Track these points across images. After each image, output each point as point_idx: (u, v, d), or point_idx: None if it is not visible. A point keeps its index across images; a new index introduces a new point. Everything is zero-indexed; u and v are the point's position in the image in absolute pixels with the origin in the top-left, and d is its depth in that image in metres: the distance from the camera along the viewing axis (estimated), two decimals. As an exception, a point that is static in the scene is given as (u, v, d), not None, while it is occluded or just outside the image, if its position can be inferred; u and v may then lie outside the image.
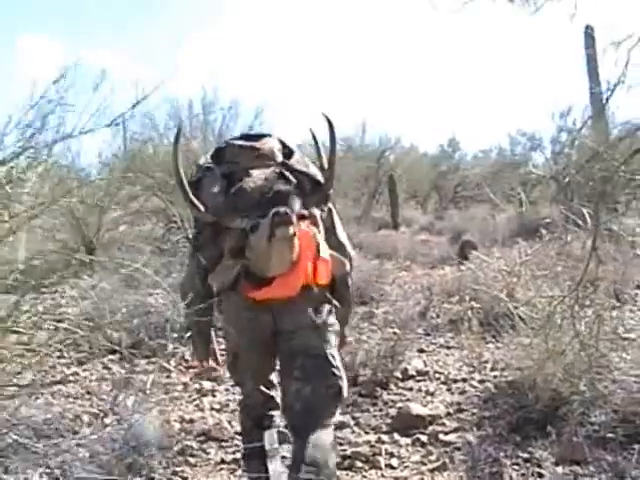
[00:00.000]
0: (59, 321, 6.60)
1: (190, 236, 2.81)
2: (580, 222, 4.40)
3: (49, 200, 4.38)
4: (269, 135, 3.10)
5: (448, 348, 5.66)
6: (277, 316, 2.78)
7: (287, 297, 2.69)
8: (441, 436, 3.85)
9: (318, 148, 2.98)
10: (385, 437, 3.90)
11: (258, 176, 2.78)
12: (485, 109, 43.07)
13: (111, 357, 5.70)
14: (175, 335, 6.12)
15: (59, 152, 5.26)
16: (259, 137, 3.05)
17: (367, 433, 3.99)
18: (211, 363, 3.21)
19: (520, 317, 4.30)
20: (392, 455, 3.68)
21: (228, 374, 3.28)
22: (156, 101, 16.45)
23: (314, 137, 3.01)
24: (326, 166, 2.89)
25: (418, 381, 4.85)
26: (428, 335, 6.08)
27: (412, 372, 4.95)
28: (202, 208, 2.72)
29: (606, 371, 3.73)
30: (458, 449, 3.67)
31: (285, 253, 2.58)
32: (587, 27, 19.43)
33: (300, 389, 2.70)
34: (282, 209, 2.49)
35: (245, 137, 3.08)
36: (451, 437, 3.82)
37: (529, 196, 18.44)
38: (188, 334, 2.92)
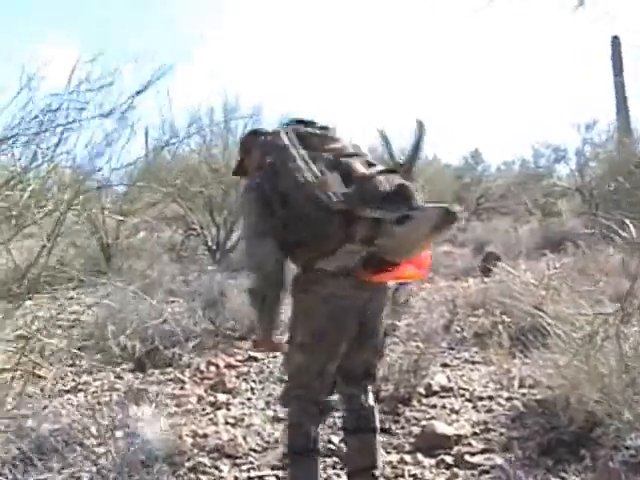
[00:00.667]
0: (72, 327, 6.50)
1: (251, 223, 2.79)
2: (613, 235, 4.18)
3: (67, 205, 4.27)
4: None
5: (473, 363, 5.44)
6: (373, 295, 2.95)
7: (414, 277, 3.07)
8: (467, 457, 3.62)
9: (391, 150, 3.05)
10: (408, 457, 3.68)
11: (361, 167, 2.87)
12: (509, 121, 42.67)
13: (124, 366, 5.55)
14: (191, 345, 5.97)
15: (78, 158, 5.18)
16: (312, 124, 3.10)
17: (389, 453, 3.77)
18: (275, 338, 2.99)
19: (554, 333, 4.06)
20: (415, 477, 3.48)
21: (285, 364, 3.03)
22: (177, 108, 16.40)
23: (385, 138, 3.10)
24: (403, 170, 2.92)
25: (442, 397, 4.63)
26: (452, 349, 5.86)
27: (436, 388, 4.73)
28: (334, 197, 2.75)
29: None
30: (486, 472, 3.45)
31: (431, 243, 2.86)
32: (614, 38, 19.28)
33: (367, 359, 3.11)
34: (456, 207, 2.74)
35: (302, 123, 3.11)
36: (478, 459, 3.60)
37: (552, 208, 18.22)
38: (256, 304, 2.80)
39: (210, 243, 11.93)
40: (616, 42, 19.01)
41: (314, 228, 2.77)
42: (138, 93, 3.64)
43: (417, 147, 2.95)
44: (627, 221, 3.28)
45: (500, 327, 5.55)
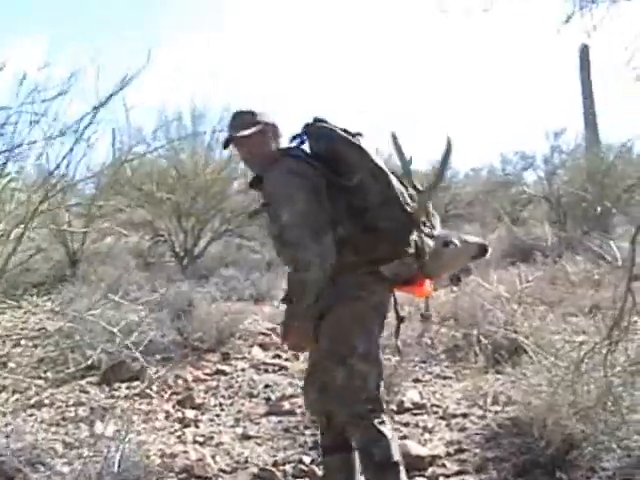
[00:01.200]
0: (37, 337, 6.34)
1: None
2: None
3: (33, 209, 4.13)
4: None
5: (445, 378, 5.38)
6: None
7: (428, 294, 3.27)
8: (442, 479, 3.56)
9: (403, 158, 3.01)
10: (382, 479, 3.60)
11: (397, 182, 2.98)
12: (478, 127, 42.90)
13: (90, 379, 5.39)
14: (158, 357, 5.86)
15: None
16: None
17: (360, 474, 3.69)
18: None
19: (530, 351, 4.02)
20: (389, 501, 3.39)
21: (346, 379, 2.90)
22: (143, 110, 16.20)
23: (398, 145, 2.99)
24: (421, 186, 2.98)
25: (415, 415, 4.56)
26: (424, 363, 5.80)
27: (408, 404, 4.67)
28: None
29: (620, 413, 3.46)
30: (461, 494, 3.39)
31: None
32: (583, 47, 19.44)
33: None
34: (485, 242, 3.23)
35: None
36: (453, 481, 3.54)
37: (520, 216, 18.33)
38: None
39: (178, 249, 11.79)
40: (585, 50, 19.17)
41: (395, 234, 2.89)
42: (96, 108, 3.50)
43: (444, 167, 3.10)
44: (611, 243, 3.22)
45: (471, 342, 5.50)
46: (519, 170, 20.16)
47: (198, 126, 12.26)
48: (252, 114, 3.02)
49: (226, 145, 3.12)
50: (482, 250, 3.16)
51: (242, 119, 3.02)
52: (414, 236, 2.94)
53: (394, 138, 2.98)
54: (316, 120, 3.07)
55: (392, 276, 2.95)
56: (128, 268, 9.22)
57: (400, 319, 3.16)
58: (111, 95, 3.63)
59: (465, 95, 49.57)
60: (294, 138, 3.11)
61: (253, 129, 2.98)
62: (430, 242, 3.01)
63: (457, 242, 3.09)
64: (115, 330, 6.00)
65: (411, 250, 2.95)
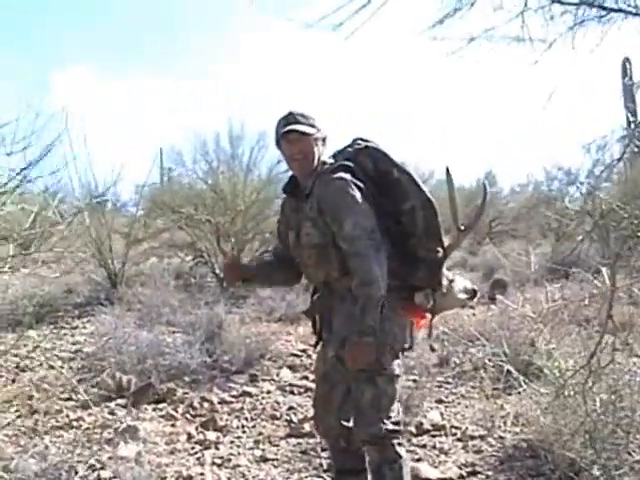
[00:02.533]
0: (72, 359, 6.49)
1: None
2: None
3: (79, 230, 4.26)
4: None
5: (468, 399, 5.37)
6: None
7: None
8: (451, 502, 3.57)
9: (452, 193, 3.12)
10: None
11: None
12: (523, 142, 42.43)
13: (119, 401, 5.50)
14: (187, 379, 5.95)
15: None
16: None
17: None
18: None
19: (538, 370, 4.01)
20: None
21: (376, 399, 2.95)
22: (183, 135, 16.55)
23: (450, 179, 3.10)
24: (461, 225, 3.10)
25: (433, 436, 4.57)
26: (448, 384, 5.79)
27: (428, 426, 4.67)
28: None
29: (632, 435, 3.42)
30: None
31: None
32: (625, 59, 19.16)
33: None
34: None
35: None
36: (462, 504, 3.54)
37: (565, 232, 18.05)
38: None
39: (217, 271, 11.92)
40: (626, 63, 18.86)
41: (433, 264, 3.04)
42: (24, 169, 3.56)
43: (482, 209, 3.20)
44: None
45: (487, 361, 5.48)
46: (564, 185, 19.92)
47: (236, 149, 12.42)
48: (309, 117, 3.05)
49: (282, 137, 3.05)
50: (473, 295, 3.29)
51: (299, 119, 3.03)
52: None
53: (448, 172, 3.06)
54: (360, 139, 3.16)
55: (420, 304, 3.05)
56: (167, 290, 9.32)
57: (432, 349, 3.35)
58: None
59: (511, 110, 49.08)
60: (339, 153, 3.18)
61: (313, 130, 3.03)
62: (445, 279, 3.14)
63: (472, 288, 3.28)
64: (147, 352, 6.18)
65: (445, 282, 3.05)
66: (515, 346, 5.57)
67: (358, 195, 2.87)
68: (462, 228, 3.06)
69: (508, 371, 5.24)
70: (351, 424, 3.13)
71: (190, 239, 12.48)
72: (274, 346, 6.96)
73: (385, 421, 2.93)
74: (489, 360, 5.73)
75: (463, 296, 3.24)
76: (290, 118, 3.03)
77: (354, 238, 2.81)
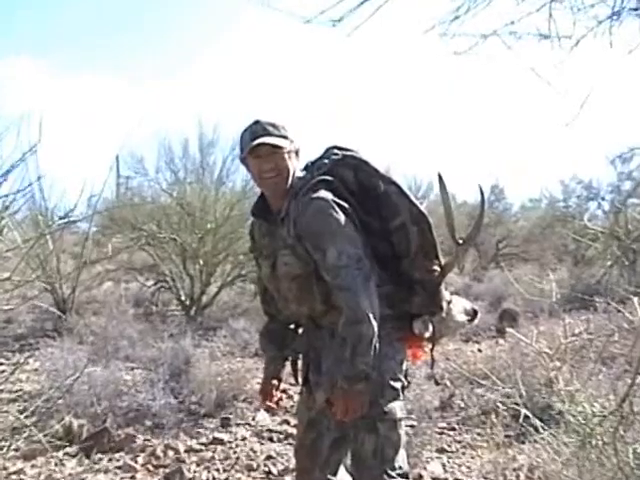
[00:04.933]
0: (13, 400, 6.43)
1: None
2: None
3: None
4: None
5: (474, 448, 5.36)
6: None
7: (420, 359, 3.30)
8: None
9: (446, 198, 3.10)
10: None
11: None
12: (534, 152, 42.76)
13: (68, 450, 5.43)
14: (148, 424, 5.90)
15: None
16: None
17: None
18: None
19: (559, 415, 4.00)
20: None
21: (384, 446, 2.92)
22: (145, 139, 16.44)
23: (443, 184, 3.06)
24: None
25: (434, 492, 4.55)
26: (453, 430, 5.78)
27: (428, 479, 4.65)
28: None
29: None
30: None
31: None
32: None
33: None
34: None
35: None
36: None
37: (584, 255, 18.14)
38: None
39: (183, 297, 11.89)
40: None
41: (432, 286, 3.03)
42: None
43: (481, 218, 3.13)
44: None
45: (507, 405, 5.46)
46: (583, 201, 20.01)
47: (207, 156, 12.42)
48: (279, 127, 2.95)
49: (250, 152, 2.92)
50: (474, 316, 3.32)
51: (269, 130, 2.93)
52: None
53: (440, 178, 3.02)
54: (336, 148, 3.09)
55: (419, 333, 3.03)
56: (125, 319, 9.28)
57: (436, 383, 3.35)
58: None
59: (522, 116, 49.51)
60: (312, 165, 3.10)
61: (286, 142, 2.94)
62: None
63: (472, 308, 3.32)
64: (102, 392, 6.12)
65: (445, 305, 3.04)
66: (529, 387, 5.57)
67: (342, 218, 2.79)
68: (460, 241, 3.03)
69: (523, 416, 5.23)
70: (339, 479, 3.11)
71: (152, 261, 12.45)
72: (249, 385, 6.92)
73: (390, 473, 2.90)
74: (499, 403, 5.73)
75: (463, 318, 3.25)
76: (258, 129, 2.93)
77: (339, 268, 2.73)
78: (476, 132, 47.57)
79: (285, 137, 2.94)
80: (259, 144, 2.87)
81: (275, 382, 3.33)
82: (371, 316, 2.67)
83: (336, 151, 3.07)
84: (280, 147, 2.90)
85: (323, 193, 2.85)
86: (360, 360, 2.67)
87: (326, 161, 3.05)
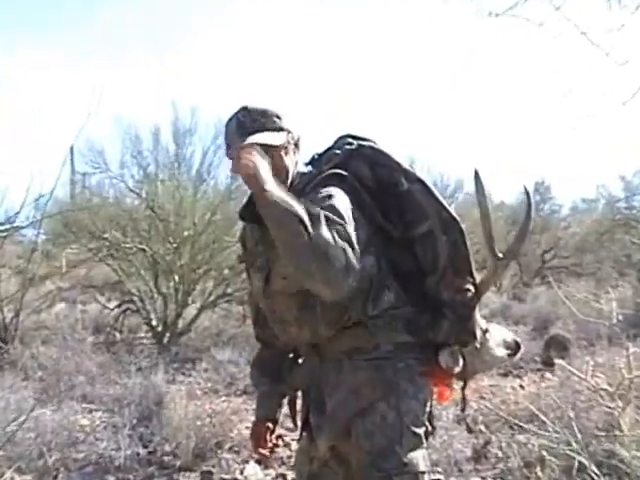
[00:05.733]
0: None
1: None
2: None
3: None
4: None
5: (517, 510, 5.34)
6: None
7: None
8: None
9: (483, 198, 2.94)
10: None
11: None
12: (588, 142, 42.73)
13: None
14: (111, 479, 5.89)
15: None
16: None
17: None
18: None
19: (624, 465, 3.98)
20: None
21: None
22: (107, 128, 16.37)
23: (480, 181, 2.92)
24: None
25: None
26: (489, 486, 5.76)
27: None
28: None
29: None
30: None
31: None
32: None
33: None
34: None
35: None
36: None
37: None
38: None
39: (155, 322, 11.85)
40: None
41: (464, 309, 2.93)
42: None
43: (527, 226, 3.03)
44: None
45: (557, 454, 5.45)
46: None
47: (183, 147, 12.38)
48: (272, 115, 2.89)
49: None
50: (516, 351, 3.24)
51: (259, 121, 2.85)
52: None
53: (477, 176, 2.92)
54: (350, 137, 3.06)
55: (446, 366, 2.96)
56: (82, 350, 9.27)
57: (469, 430, 3.31)
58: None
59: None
60: (320, 158, 3.07)
61: (282, 136, 2.88)
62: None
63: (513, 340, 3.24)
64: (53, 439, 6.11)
65: (480, 333, 3.00)
66: (585, 432, 5.55)
67: (349, 198, 2.76)
68: (500, 255, 2.99)
69: (577, 467, 5.22)
70: None
71: (115, 277, 12.42)
72: (236, 431, 6.90)
73: None
74: (547, 452, 5.71)
75: (502, 352, 3.17)
76: (245, 121, 2.86)
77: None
78: (516, 118, 47.56)
79: (280, 128, 2.88)
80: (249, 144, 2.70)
81: (269, 425, 3.27)
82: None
83: (350, 140, 3.04)
84: (274, 146, 2.82)
85: (333, 189, 2.78)
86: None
87: (337, 152, 3.01)
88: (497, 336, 3.16)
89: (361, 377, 2.79)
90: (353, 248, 2.53)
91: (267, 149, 2.68)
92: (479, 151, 39.64)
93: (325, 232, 2.44)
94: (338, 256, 2.44)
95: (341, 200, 2.70)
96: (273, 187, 2.45)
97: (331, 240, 2.44)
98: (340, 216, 2.59)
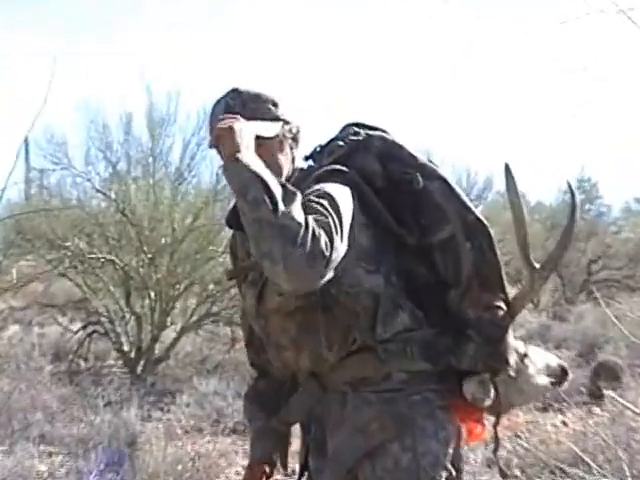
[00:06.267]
0: None
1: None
2: None
3: None
4: None
5: None
6: None
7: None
8: None
9: (515, 194, 2.89)
10: None
11: None
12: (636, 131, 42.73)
13: None
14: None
15: None
16: None
17: None
18: None
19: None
20: None
21: None
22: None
23: (511, 176, 2.86)
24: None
25: None
26: None
27: None
28: None
29: None
30: None
31: None
32: None
33: None
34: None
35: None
36: None
37: None
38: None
39: (126, 347, 11.82)
40: None
41: (494, 331, 2.89)
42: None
43: (570, 233, 2.96)
44: None
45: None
46: None
47: (159, 140, 12.31)
48: (267, 100, 2.87)
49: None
50: (562, 379, 3.17)
51: (252, 105, 2.82)
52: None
53: (508, 171, 2.86)
54: (357, 126, 3.05)
55: (473, 399, 2.88)
56: (40, 380, 9.29)
57: (501, 472, 3.21)
58: None
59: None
60: (322, 150, 3.05)
61: (276, 127, 2.84)
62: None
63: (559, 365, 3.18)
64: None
65: (513, 359, 2.94)
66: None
67: (350, 192, 2.71)
68: (538, 265, 2.96)
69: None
70: None
71: (80, 293, 12.40)
72: (224, 476, 6.91)
73: None
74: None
75: (545, 380, 3.07)
76: (234, 104, 2.81)
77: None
78: (541, 109, 47.70)
79: (275, 118, 2.85)
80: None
81: (266, 469, 3.19)
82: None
83: (356, 129, 3.01)
84: (266, 138, 2.76)
85: (332, 185, 2.72)
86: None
87: (341, 143, 2.97)
88: (538, 361, 3.06)
89: (369, 413, 2.75)
90: (332, 242, 2.42)
91: (259, 141, 2.62)
92: (512, 144, 39.64)
93: (296, 212, 2.37)
94: (305, 241, 2.33)
95: (339, 194, 2.63)
96: (248, 153, 2.44)
97: (301, 221, 2.35)
98: (325, 207, 2.51)
